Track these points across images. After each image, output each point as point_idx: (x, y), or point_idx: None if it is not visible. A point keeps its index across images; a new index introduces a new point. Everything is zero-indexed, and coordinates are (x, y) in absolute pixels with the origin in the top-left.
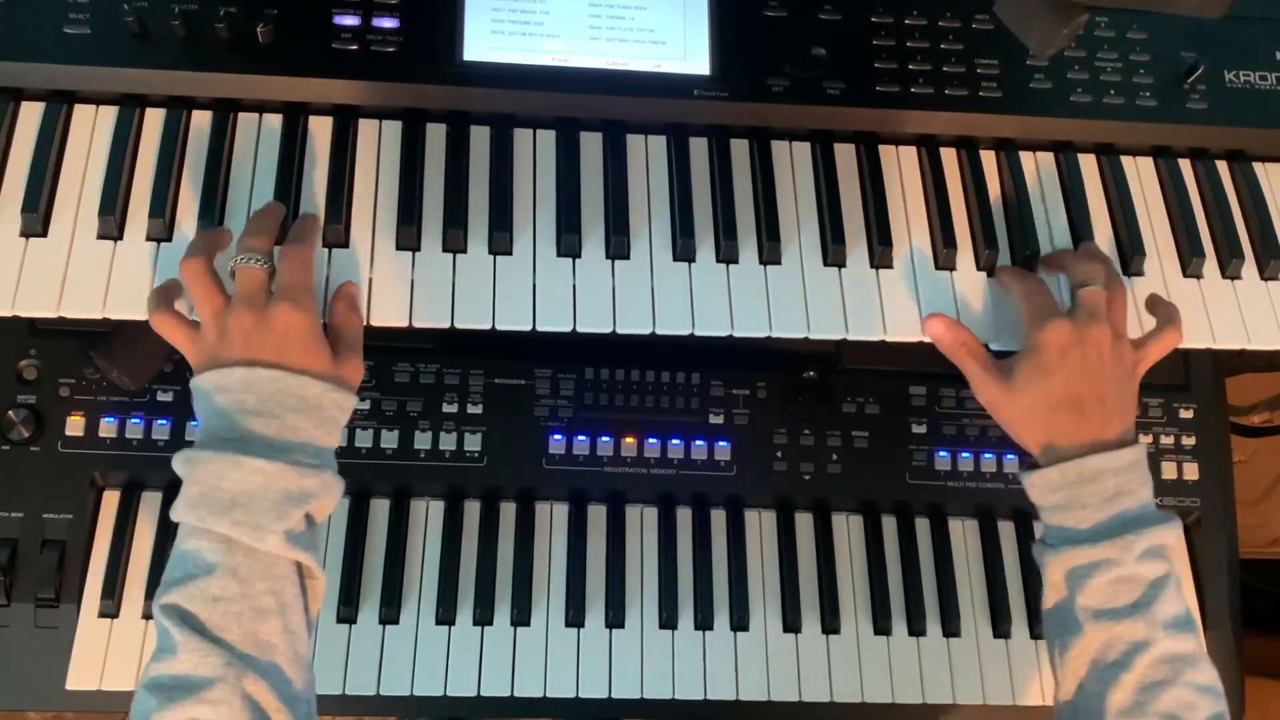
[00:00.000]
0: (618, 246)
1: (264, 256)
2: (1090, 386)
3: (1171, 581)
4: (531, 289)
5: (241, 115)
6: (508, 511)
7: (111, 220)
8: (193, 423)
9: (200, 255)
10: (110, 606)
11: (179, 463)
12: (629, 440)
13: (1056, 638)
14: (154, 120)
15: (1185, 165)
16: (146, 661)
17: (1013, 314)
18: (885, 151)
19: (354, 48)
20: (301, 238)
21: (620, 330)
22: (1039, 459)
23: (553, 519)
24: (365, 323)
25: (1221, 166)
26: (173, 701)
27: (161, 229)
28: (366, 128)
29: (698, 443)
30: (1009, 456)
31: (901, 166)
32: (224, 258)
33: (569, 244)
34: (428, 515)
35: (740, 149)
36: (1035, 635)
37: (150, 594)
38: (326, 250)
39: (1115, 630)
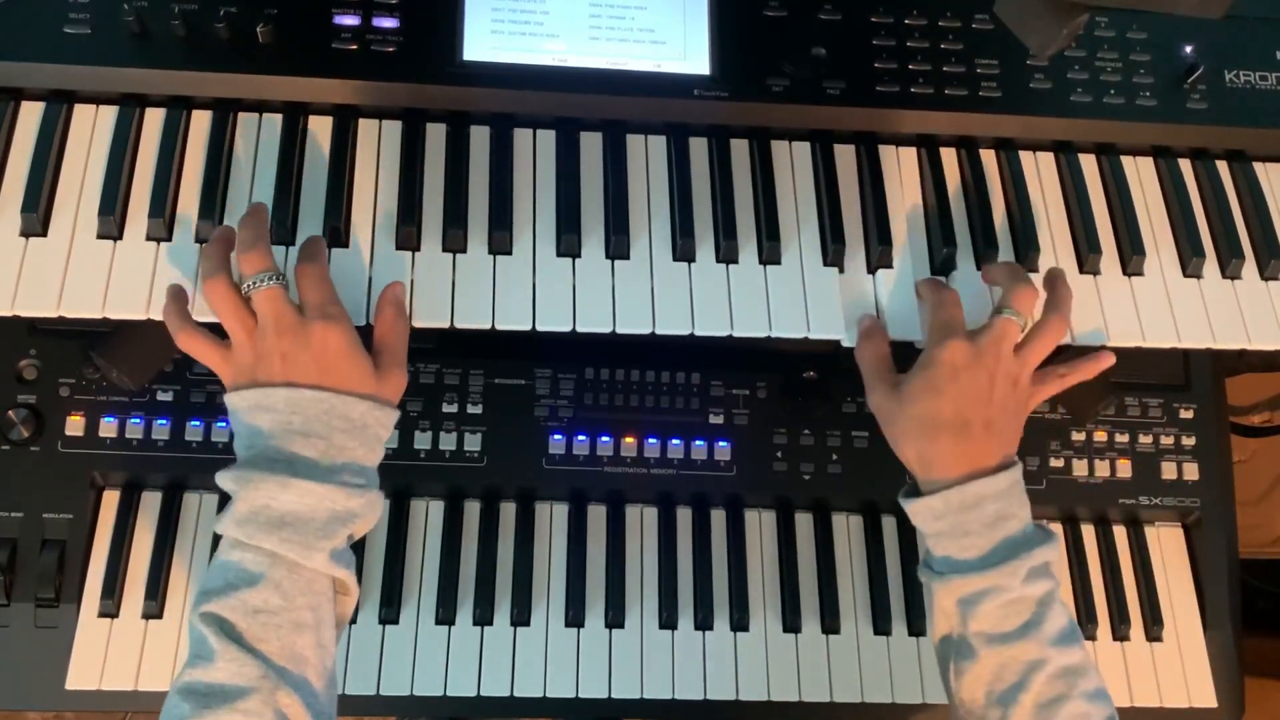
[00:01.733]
0: (618, 246)
1: (273, 273)
2: (977, 410)
3: (1056, 596)
4: (531, 289)
5: (241, 115)
6: (508, 511)
7: (111, 220)
8: (193, 422)
9: (221, 274)
10: (110, 606)
11: (227, 480)
12: (629, 440)
13: (950, 661)
14: (154, 120)
15: (1185, 165)
16: (181, 666)
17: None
18: (885, 151)
19: (354, 48)
20: (312, 256)
21: (620, 330)
22: (919, 482)
23: (553, 519)
24: (365, 323)
25: (1222, 166)
26: (207, 708)
27: (161, 229)
28: (366, 128)
29: (698, 443)
30: None
31: (901, 166)
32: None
33: (569, 244)
34: (428, 515)
35: (740, 149)
36: None
37: (150, 594)
38: (326, 250)
39: (1009, 653)
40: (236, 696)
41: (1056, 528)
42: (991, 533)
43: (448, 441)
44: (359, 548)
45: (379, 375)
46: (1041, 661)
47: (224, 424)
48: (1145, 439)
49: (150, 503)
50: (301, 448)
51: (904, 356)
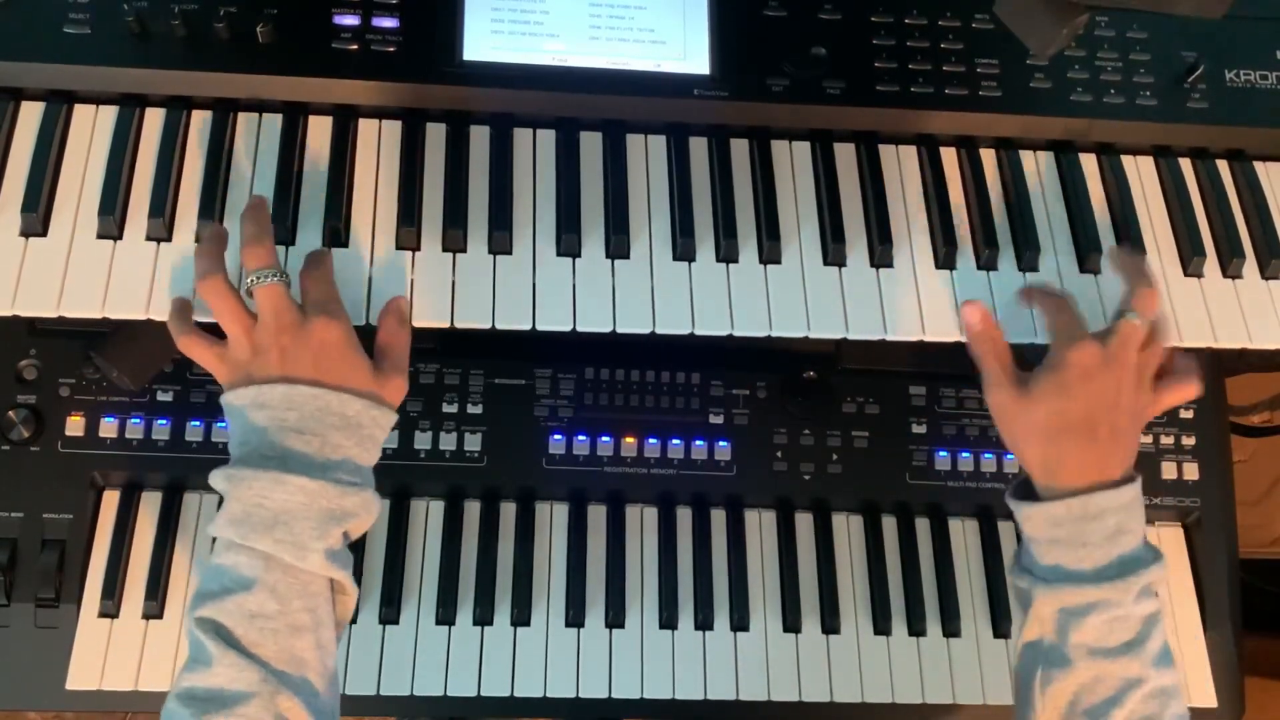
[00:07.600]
0: (618, 246)
1: (275, 270)
2: (1106, 414)
3: (1160, 617)
4: (531, 288)
5: (241, 115)
6: (508, 511)
7: (111, 220)
8: (193, 422)
9: (217, 272)
10: (110, 606)
11: (219, 479)
12: (629, 440)
13: (1038, 669)
14: (154, 120)
15: (1186, 165)
16: (179, 670)
17: (1022, 313)
18: (885, 151)
19: (354, 48)
20: (318, 261)
21: (620, 330)
22: (1038, 487)
23: (553, 519)
24: (364, 322)
25: (1222, 166)
26: (206, 713)
27: (161, 229)
28: (366, 128)
29: (698, 443)
30: (1009, 456)
31: (901, 166)
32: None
33: (569, 243)
34: (428, 515)
35: (740, 148)
36: None
37: (150, 594)
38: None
39: (1109, 667)
40: (236, 701)
41: None
42: (1110, 546)
43: (448, 441)
44: (359, 548)
45: (379, 378)
46: (1139, 680)
47: (224, 424)
48: (1145, 439)
49: (150, 503)
50: (295, 443)
51: (911, 356)
